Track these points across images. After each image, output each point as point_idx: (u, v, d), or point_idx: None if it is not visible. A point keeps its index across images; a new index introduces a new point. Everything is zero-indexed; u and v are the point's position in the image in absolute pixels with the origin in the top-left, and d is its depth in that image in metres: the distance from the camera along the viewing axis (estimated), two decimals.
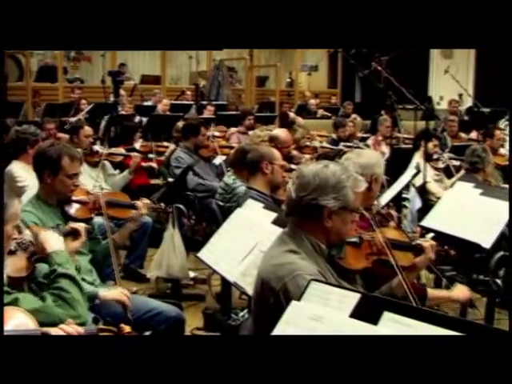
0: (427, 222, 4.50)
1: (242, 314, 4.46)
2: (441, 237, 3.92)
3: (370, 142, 9.60)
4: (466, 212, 4.35)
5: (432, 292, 3.39)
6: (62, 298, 2.76)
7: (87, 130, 6.77)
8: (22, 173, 5.42)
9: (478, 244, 4.07)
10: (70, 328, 2.26)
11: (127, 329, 2.26)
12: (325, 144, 8.66)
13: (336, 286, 1.94)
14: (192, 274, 5.95)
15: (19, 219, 2.81)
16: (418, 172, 6.02)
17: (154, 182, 7.43)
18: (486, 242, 4.06)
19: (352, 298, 1.81)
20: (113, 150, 7.12)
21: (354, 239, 3.02)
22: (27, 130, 5.70)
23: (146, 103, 12.39)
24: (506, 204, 4.18)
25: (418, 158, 6.75)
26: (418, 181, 6.43)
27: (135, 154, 7.07)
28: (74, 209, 3.84)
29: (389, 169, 5.77)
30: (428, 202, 6.12)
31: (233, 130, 9.54)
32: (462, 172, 6.38)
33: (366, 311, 1.76)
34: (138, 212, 4.09)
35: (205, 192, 6.65)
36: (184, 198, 6.46)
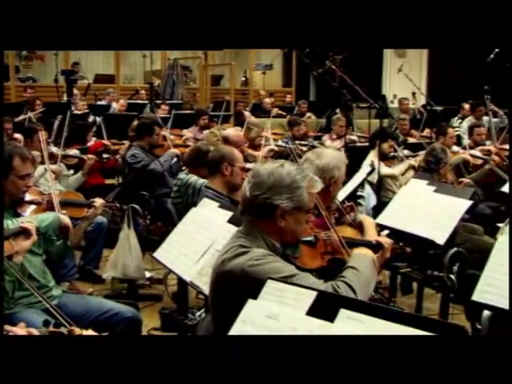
0: (382, 219, 4.53)
1: (198, 313, 4.46)
2: (396, 234, 3.95)
3: (325, 137, 9.70)
4: (421, 209, 4.40)
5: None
6: None
7: (42, 134, 6.66)
8: None
9: (432, 240, 4.13)
10: (22, 330, 2.23)
11: (78, 331, 2.23)
12: (280, 143, 8.67)
13: (292, 284, 1.94)
14: (148, 274, 5.93)
15: None
16: (373, 170, 6.06)
17: (108, 181, 7.38)
18: (440, 239, 4.13)
19: (308, 296, 1.82)
20: (68, 151, 7.06)
21: (309, 238, 3.02)
22: None
23: (99, 102, 12.27)
24: (459, 200, 4.26)
25: (372, 157, 6.81)
26: (373, 179, 6.48)
27: (90, 155, 7.04)
28: (27, 210, 3.79)
29: None
30: (383, 199, 6.18)
31: (188, 134, 9.46)
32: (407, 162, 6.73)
33: (322, 309, 1.76)
34: (94, 211, 4.05)
35: (163, 187, 6.66)
36: (139, 198, 6.43)
